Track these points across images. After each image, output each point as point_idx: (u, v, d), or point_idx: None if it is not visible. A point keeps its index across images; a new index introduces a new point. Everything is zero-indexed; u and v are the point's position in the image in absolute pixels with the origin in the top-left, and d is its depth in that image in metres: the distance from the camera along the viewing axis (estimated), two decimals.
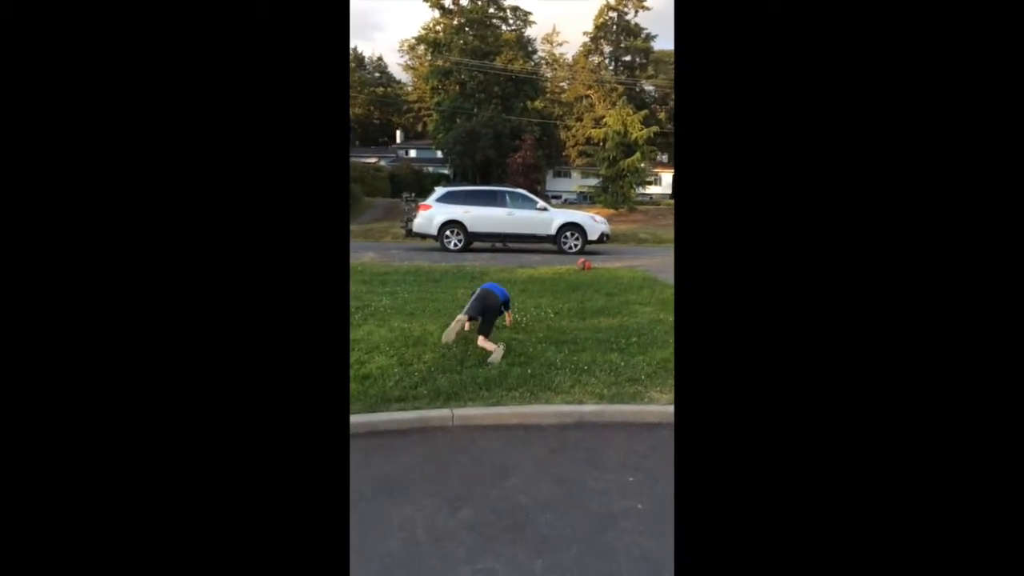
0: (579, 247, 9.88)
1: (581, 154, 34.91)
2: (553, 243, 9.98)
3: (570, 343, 4.10)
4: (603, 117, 27.57)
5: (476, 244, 10.37)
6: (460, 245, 9.93)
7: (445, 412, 2.94)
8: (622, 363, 3.69)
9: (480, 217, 9.91)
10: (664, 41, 50.82)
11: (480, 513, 2.05)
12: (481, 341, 3.81)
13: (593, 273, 7.55)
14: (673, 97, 37.93)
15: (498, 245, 10.56)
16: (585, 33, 38.89)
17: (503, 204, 10.08)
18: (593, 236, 9.91)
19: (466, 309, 4.00)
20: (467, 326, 4.01)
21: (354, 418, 2.78)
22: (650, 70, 40.77)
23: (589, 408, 3.05)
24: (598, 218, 10.26)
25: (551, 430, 2.87)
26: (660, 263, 9.09)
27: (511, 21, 36.52)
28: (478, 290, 4.16)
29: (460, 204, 10.00)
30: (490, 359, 3.65)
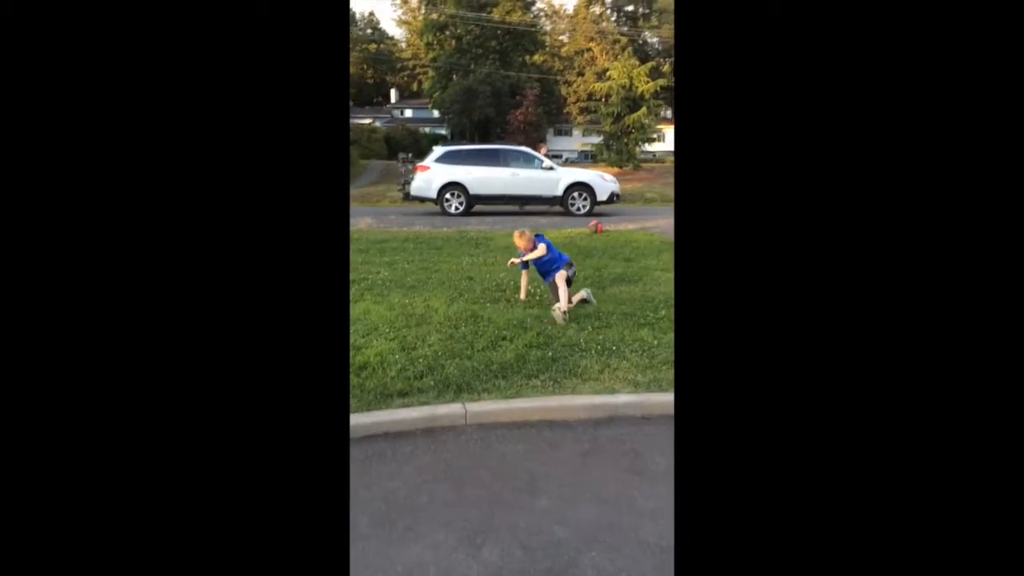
0: (588, 208, 9.30)
1: (583, 111, 33.65)
2: (560, 205, 9.40)
3: (592, 318, 3.64)
4: (607, 70, 26.28)
5: (478, 207, 9.80)
6: (461, 208, 9.36)
7: (456, 408, 2.51)
8: (654, 342, 3.24)
9: (482, 178, 9.30)
10: None
11: (508, 551, 1.63)
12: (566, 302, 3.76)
13: (606, 236, 7.03)
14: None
15: (504, 208, 9.99)
16: None
17: (506, 164, 9.44)
18: (602, 196, 9.31)
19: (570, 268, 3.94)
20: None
21: (351, 419, 2.35)
22: (653, 20, 38.85)
23: (623, 399, 2.61)
24: (607, 177, 9.62)
25: (581, 428, 2.44)
26: (671, 222, 8.56)
27: None
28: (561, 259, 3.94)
29: (461, 164, 9.36)
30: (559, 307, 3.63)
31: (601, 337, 3.31)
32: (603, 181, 9.40)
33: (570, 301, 3.77)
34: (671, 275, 4.97)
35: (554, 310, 3.64)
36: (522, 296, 4.10)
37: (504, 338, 3.27)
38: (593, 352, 3.09)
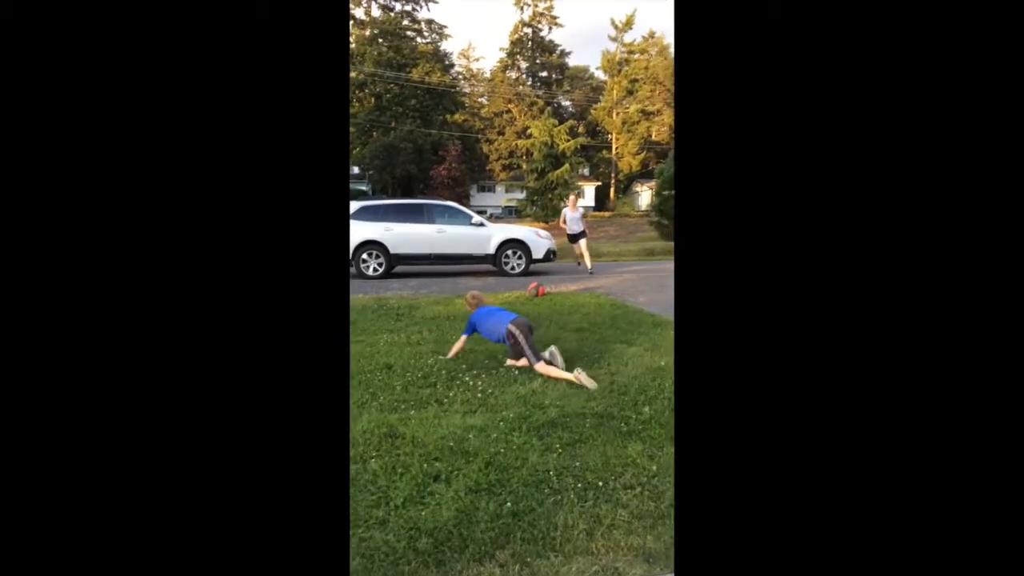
0: (523, 267, 8.52)
1: (505, 168, 34.17)
2: (492, 264, 8.54)
3: (558, 426, 2.66)
4: (527, 128, 26.81)
5: (400, 268, 8.73)
6: (380, 270, 8.24)
7: None
8: (652, 467, 2.29)
9: (404, 236, 8.29)
10: (577, 58, 51.94)
11: None
12: (543, 368, 3.43)
13: (549, 300, 6.19)
14: (591, 112, 38.42)
15: (429, 269, 8.97)
16: (501, 48, 38.53)
17: (431, 219, 8.51)
18: (538, 254, 8.58)
19: (531, 351, 3.55)
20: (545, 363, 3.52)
21: None
22: (566, 85, 41.06)
23: None
24: (542, 233, 8.92)
25: None
26: (618, 284, 7.94)
27: (426, 34, 35.26)
28: (510, 327, 3.60)
29: (379, 221, 8.31)
30: (585, 384, 3.21)
31: (577, 462, 2.31)
32: (538, 238, 8.68)
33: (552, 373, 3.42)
34: (636, 349, 4.14)
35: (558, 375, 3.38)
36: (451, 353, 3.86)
37: (437, 477, 2.18)
38: (571, 493, 2.08)
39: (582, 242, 8.81)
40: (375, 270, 8.18)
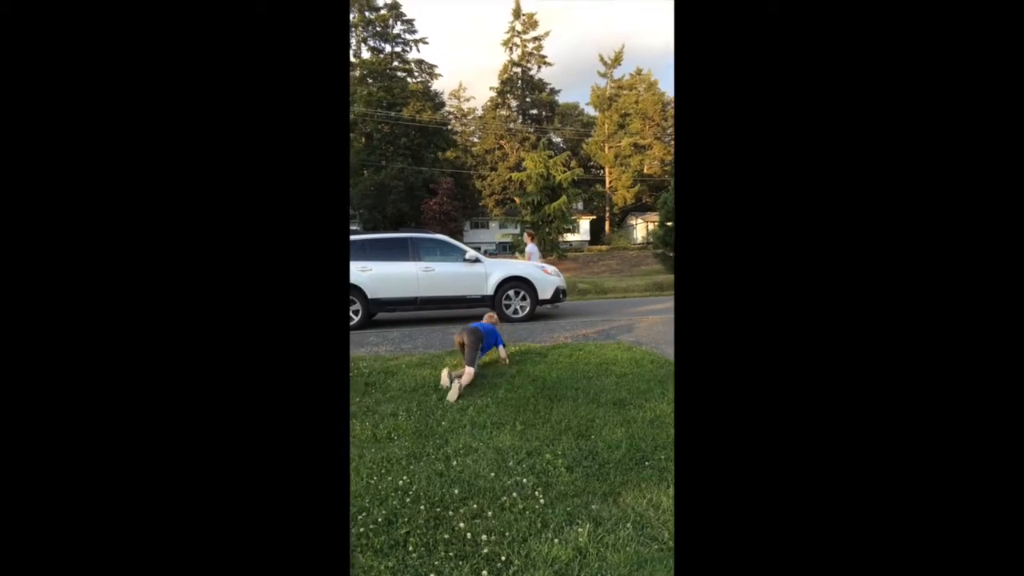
0: (528, 310, 7.11)
1: (499, 203, 33.28)
2: (491, 307, 7.16)
3: None
4: (521, 162, 26.00)
5: (381, 315, 7.33)
6: (357, 319, 6.83)
7: None
8: None
9: (385, 277, 6.92)
10: (567, 95, 52.30)
11: None
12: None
13: (575, 358, 4.74)
14: (583, 147, 38.01)
15: (415, 314, 7.56)
16: (491, 88, 38.41)
17: (416, 256, 7.15)
18: (545, 294, 7.15)
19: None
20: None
21: None
22: (557, 122, 40.85)
23: None
24: (549, 268, 7.51)
25: None
26: (644, 327, 6.54)
27: (416, 73, 35.04)
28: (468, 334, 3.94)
29: (355, 260, 6.96)
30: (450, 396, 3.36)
31: None
32: (545, 274, 7.30)
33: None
34: None
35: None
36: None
37: None
38: None
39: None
40: (351, 320, 6.78)
